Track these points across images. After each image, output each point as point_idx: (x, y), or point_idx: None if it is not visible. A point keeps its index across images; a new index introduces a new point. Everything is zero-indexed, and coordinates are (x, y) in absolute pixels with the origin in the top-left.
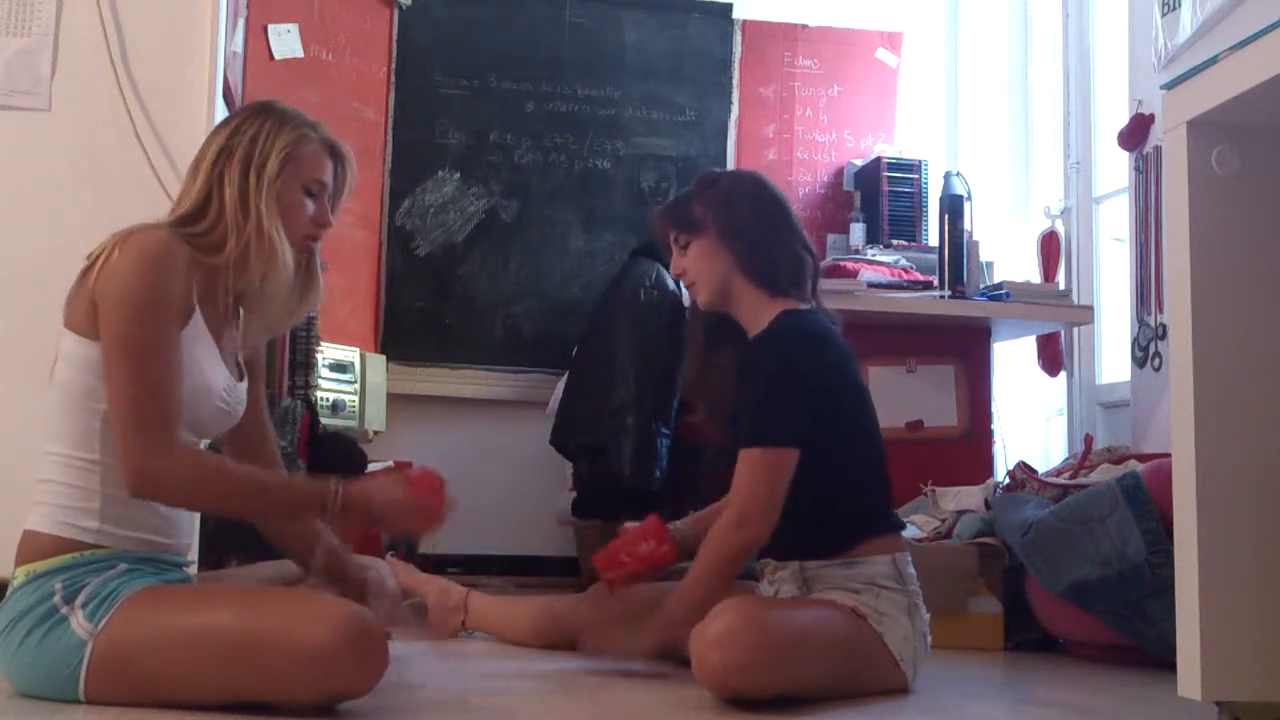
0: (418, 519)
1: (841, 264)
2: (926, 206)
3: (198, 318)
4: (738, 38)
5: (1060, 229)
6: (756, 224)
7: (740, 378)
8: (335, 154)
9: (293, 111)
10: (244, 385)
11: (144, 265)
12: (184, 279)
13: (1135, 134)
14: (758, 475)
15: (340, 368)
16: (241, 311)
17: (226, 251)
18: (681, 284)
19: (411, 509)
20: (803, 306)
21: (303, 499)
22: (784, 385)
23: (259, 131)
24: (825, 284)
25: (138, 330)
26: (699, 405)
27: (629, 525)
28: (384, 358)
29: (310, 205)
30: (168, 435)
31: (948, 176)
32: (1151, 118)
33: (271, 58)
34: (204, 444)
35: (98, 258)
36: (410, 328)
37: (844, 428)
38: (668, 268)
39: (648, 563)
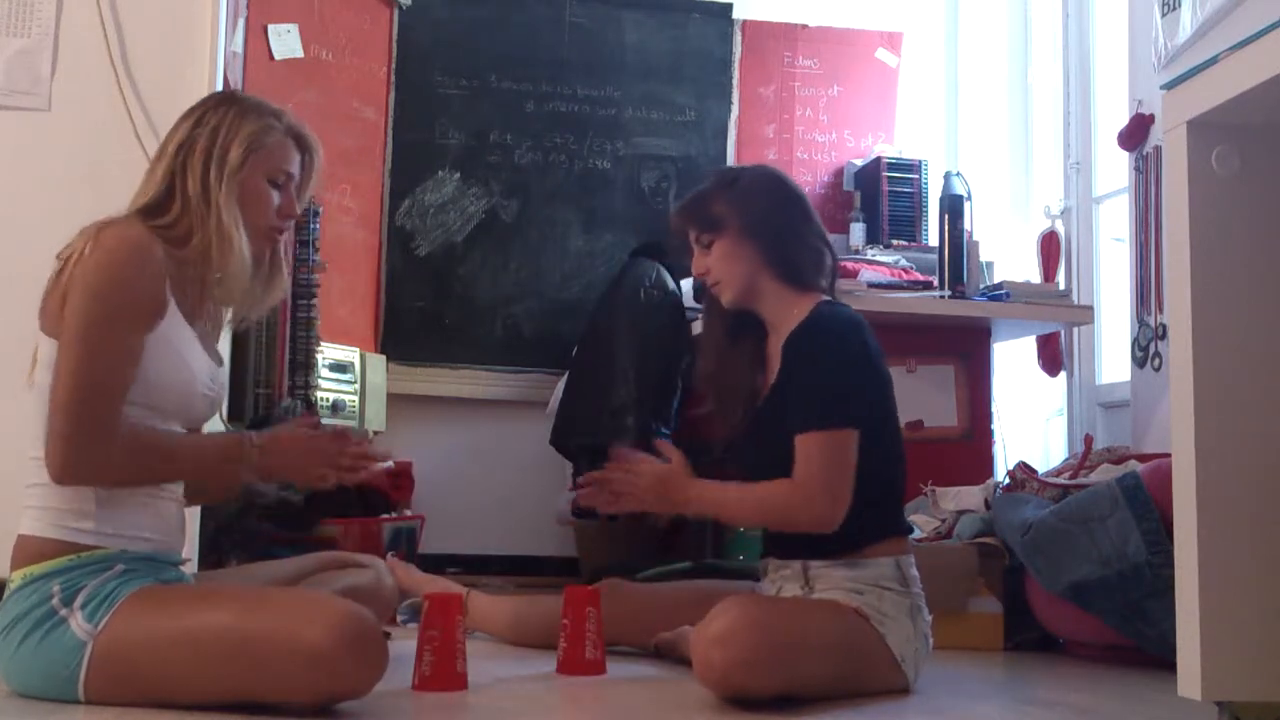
0: (319, 461)
1: (841, 264)
2: (926, 206)
3: (174, 311)
4: (738, 38)
5: (1060, 229)
6: (779, 221)
7: (759, 370)
8: (301, 143)
9: (256, 101)
10: (224, 370)
11: (115, 263)
12: (155, 277)
13: (1135, 134)
14: (820, 457)
15: (340, 368)
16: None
17: (193, 244)
18: (684, 283)
19: (318, 454)
20: (832, 299)
21: (215, 458)
22: (839, 368)
23: (220, 122)
24: None
25: (97, 329)
26: (710, 400)
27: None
28: (384, 358)
29: (276, 196)
30: (102, 434)
31: (948, 176)
32: (1151, 118)
33: (271, 58)
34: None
35: (69, 258)
36: (410, 328)
37: (873, 425)
38: (668, 268)
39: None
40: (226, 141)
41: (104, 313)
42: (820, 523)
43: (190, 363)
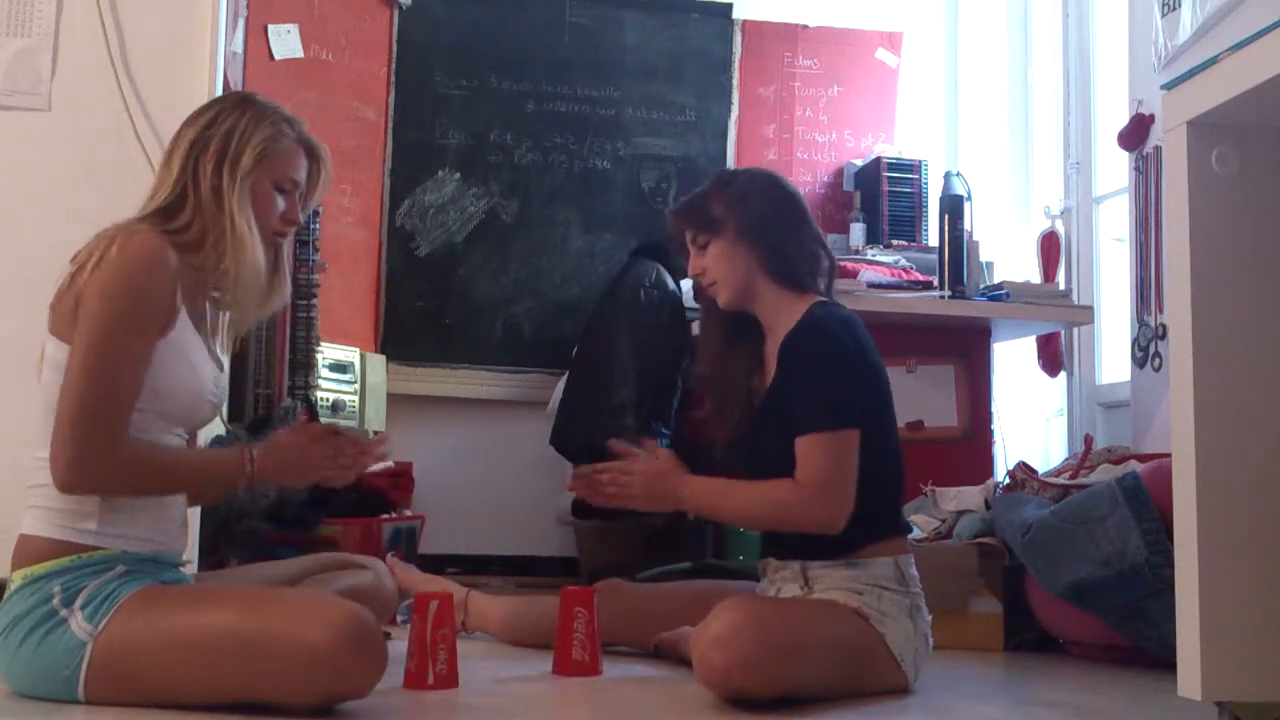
0: (317, 462)
1: (841, 264)
2: (926, 206)
3: (184, 318)
4: (738, 38)
5: (1060, 229)
6: (775, 223)
7: (756, 373)
8: (311, 152)
9: (271, 106)
10: (225, 375)
11: (130, 271)
12: (169, 285)
13: (1135, 134)
14: (826, 459)
15: (340, 368)
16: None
17: (206, 247)
18: (683, 283)
19: (316, 456)
20: (826, 300)
21: (216, 472)
22: (838, 369)
23: (235, 125)
24: None
25: (108, 337)
26: (708, 401)
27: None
28: (384, 358)
29: (281, 202)
30: (109, 441)
31: (948, 176)
32: (1151, 118)
33: (271, 58)
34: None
35: (84, 263)
36: (410, 328)
37: (871, 423)
38: (668, 268)
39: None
40: (240, 145)
41: (116, 320)
42: (824, 525)
43: (199, 370)
